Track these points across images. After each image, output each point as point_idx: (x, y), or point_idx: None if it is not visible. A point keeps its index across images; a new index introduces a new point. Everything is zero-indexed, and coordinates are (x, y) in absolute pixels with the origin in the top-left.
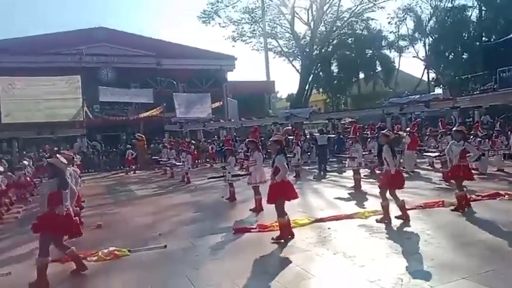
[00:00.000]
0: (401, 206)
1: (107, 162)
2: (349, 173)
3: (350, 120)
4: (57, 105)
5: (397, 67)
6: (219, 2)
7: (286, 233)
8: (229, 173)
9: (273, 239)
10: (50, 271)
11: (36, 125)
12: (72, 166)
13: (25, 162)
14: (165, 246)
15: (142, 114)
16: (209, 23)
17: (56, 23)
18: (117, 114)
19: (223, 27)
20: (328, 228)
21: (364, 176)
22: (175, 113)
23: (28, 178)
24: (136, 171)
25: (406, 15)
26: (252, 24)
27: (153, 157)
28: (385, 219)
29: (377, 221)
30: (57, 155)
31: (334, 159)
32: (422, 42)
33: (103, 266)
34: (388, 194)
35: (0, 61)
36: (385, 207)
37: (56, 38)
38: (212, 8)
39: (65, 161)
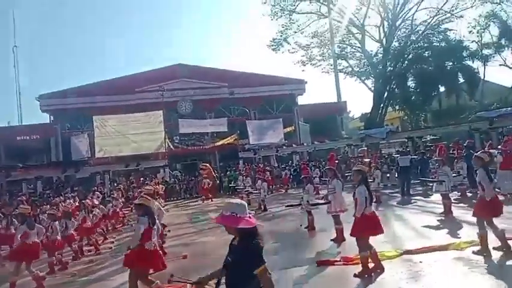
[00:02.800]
0: (501, 236)
1: (186, 190)
2: (436, 196)
3: (431, 137)
4: (143, 139)
5: (482, 78)
6: (287, 29)
7: (369, 268)
8: (307, 201)
9: (355, 274)
10: None
11: (124, 158)
12: (158, 198)
13: (113, 195)
14: None
15: (218, 143)
16: (279, 50)
17: (135, 63)
18: (195, 144)
19: (292, 52)
20: (420, 262)
21: (454, 200)
22: (248, 139)
23: (117, 210)
24: (213, 199)
25: (489, 22)
26: (321, 48)
27: (230, 185)
28: (484, 251)
29: (474, 252)
30: (145, 192)
31: (417, 181)
32: (510, 48)
33: None
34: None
35: (94, 102)
36: (483, 238)
37: (140, 77)
38: (281, 35)
39: (153, 204)
